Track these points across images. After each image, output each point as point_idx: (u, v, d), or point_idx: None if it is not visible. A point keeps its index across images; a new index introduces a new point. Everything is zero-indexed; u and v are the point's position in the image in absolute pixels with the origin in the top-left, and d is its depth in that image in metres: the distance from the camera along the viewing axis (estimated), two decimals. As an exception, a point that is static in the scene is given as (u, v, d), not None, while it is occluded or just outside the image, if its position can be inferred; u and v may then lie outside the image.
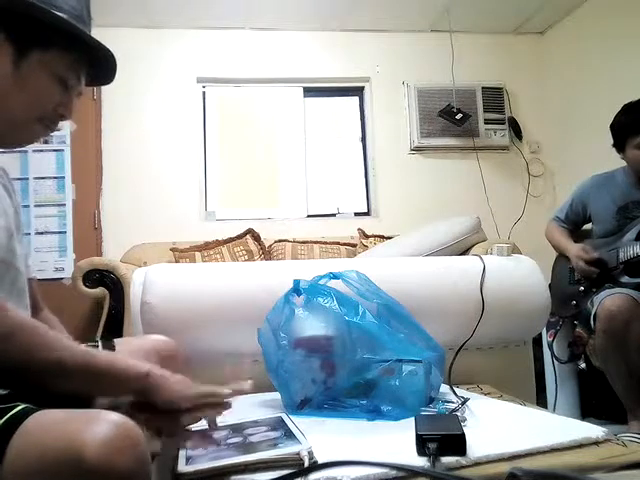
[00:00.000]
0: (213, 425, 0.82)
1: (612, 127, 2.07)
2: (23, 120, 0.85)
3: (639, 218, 2.00)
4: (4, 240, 0.82)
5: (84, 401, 0.74)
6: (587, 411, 2.24)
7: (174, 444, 0.86)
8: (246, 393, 0.82)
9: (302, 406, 1.12)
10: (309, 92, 3.61)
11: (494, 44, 3.65)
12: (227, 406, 0.79)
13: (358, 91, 3.67)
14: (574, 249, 2.11)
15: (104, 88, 3.18)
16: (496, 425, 0.99)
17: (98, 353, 0.79)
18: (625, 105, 2.04)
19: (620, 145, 2.04)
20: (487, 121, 3.54)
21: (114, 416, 0.62)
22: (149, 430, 0.73)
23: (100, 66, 0.91)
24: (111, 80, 0.96)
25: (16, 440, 0.60)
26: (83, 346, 0.78)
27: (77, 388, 0.75)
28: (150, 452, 0.68)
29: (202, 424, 0.82)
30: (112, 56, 0.90)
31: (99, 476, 0.56)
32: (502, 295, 1.52)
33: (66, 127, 3.13)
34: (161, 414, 0.76)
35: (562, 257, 2.24)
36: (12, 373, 0.70)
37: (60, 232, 3.12)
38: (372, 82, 3.60)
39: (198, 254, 2.88)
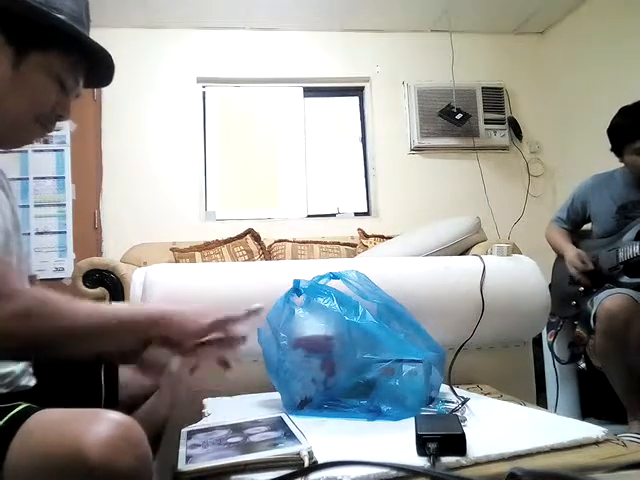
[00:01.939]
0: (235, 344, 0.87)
1: (609, 132, 2.06)
2: (21, 121, 0.85)
3: (638, 218, 2.00)
4: (2, 241, 0.82)
5: (87, 400, 0.74)
6: (587, 411, 2.24)
7: (179, 433, 0.88)
8: (259, 314, 0.88)
9: (302, 406, 1.12)
10: (309, 92, 3.61)
11: (494, 44, 3.65)
12: (242, 340, 0.86)
13: (358, 91, 3.68)
14: (570, 254, 2.11)
15: (104, 88, 3.17)
16: (496, 425, 0.99)
17: (112, 310, 0.81)
18: (621, 109, 2.02)
19: (618, 150, 2.03)
20: (487, 121, 3.54)
21: (115, 415, 0.62)
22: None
23: (98, 68, 0.92)
24: (109, 82, 0.97)
25: (18, 439, 0.61)
26: (97, 306, 0.80)
27: (97, 347, 0.78)
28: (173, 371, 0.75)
29: (204, 423, 0.83)
30: (110, 58, 0.91)
31: (101, 475, 0.56)
32: (502, 295, 1.51)
33: (66, 127, 3.13)
34: (180, 347, 0.81)
35: (562, 257, 2.23)
36: (34, 345, 0.71)
37: (60, 232, 3.12)
38: (372, 82, 3.60)
39: (198, 254, 2.88)
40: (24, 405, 0.66)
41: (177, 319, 0.80)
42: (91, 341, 0.75)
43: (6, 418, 0.63)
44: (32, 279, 0.96)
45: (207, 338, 0.83)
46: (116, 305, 0.92)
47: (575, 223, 2.28)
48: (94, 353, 0.79)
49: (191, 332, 0.80)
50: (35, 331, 0.70)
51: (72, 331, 0.73)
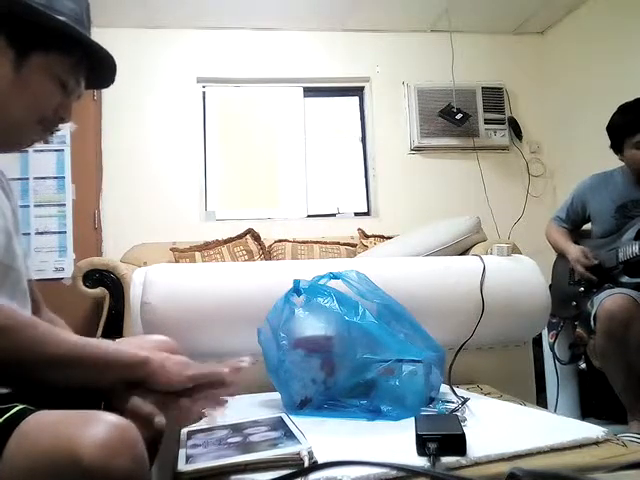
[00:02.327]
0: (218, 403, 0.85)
1: (609, 128, 2.07)
2: (23, 123, 0.85)
3: (638, 217, 1.99)
4: (3, 242, 0.82)
5: (83, 401, 0.74)
6: (587, 411, 2.24)
7: (179, 433, 0.88)
8: (244, 367, 0.86)
9: (302, 406, 1.12)
10: (309, 92, 3.61)
11: (494, 44, 3.65)
12: (228, 390, 0.83)
13: (358, 91, 3.68)
14: (574, 251, 2.11)
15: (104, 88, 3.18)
16: (496, 425, 0.99)
17: (98, 344, 0.80)
18: (621, 106, 2.03)
19: (618, 146, 2.04)
20: (487, 121, 3.54)
21: (111, 417, 0.62)
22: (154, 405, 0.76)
23: (100, 69, 0.92)
24: (110, 83, 0.97)
25: (13, 441, 0.60)
26: (83, 338, 0.79)
27: (77, 380, 0.76)
28: (155, 428, 0.72)
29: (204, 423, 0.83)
30: (112, 59, 0.90)
31: (96, 477, 0.56)
32: (502, 295, 1.51)
33: (66, 127, 3.12)
34: (163, 395, 0.78)
35: (562, 257, 2.23)
36: (13, 368, 0.71)
37: (60, 232, 3.12)
38: (372, 82, 3.60)
39: (198, 254, 2.88)
40: (20, 407, 0.66)
41: (160, 367, 0.78)
42: (72, 370, 0.74)
43: (1, 420, 0.63)
44: (30, 282, 0.96)
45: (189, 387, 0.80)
46: (102, 340, 0.90)
47: (575, 223, 2.28)
48: (77, 385, 0.76)
49: (173, 382, 0.79)
50: (17, 351, 0.69)
51: (57, 357, 0.72)
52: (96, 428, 0.59)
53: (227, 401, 0.84)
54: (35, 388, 0.72)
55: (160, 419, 0.74)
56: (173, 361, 0.81)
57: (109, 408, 0.68)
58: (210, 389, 0.83)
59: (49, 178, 3.13)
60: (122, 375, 0.78)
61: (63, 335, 0.75)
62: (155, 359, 0.79)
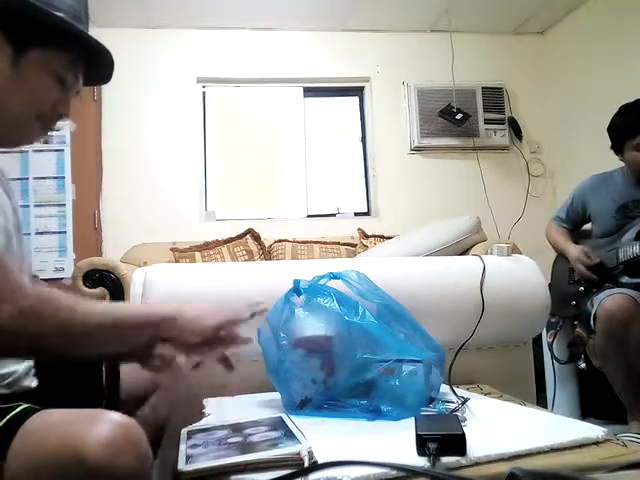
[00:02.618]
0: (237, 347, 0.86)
1: (609, 129, 2.06)
2: (22, 119, 0.85)
3: (638, 218, 1.99)
4: (3, 241, 0.82)
5: (84, 400, 0.74)
6: (587, 411, 2.24)
7: (179, 433, 0.88)
8: (262, 312, 0.87)
9: (302, 406, 1.12)
10: (309, 92, 3.61)
11: (494, 44, 3.65)
12: (248, 340, 0.85)
13: (358, 91, 3.67)
14: (574, 251, 2.11)
15: (104, 88, 3.18)
16: (496, 425, 0.99)
17: (117, 306, 0.80)
18: (622, 106, 2.03)
19: (618, 147, 2.04)
20: (487, 121, 3.54)
21: (116, 416, 0.62)
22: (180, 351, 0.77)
23: (98, 66, 0.92)
24: (108, 80, 0.96)
25: (18, 440, 0.61)
26: (108, 304, 0.79)
27: (100, 345, 0.76)
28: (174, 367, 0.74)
29: (204, 423, 0.83)
30: (109, 55, 0.90)
31: (101, 475, 0.56)
32: (502, 295, 1.51)
33: (66, 127, 3.13)
34: (187, 346, 0.79)
35: (562, 257, 2.23)
36: (41, 344, 0.70)
37: (60, 232, 3.12)
38: (372, 82, 3.60)
39: (198, 254, 2.88)
40: (24, 406, 0.66)
41: (180, 320, 0.78)
42: (90, 339, 0.74)
43: (6, 419, 0.63)
44: (33, 280, 0.96)
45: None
46: (118, 304, 0.90)
47: (575, 223, 2.28)
48: (95, 354, 0.77)
49: (196, 332, 0.79)
50: (37, 330, 0.69)
51: (71, 328, 0.71)
52: (100, 427, 0.59)
53: (251, 339, 0.86)
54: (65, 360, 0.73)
55: (181, 361, 0.75)
56: (194, 312, 0.81)
57: (110, 406, 0.68)
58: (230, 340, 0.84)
59: (49, 178, 3.13)
60: (139, 335, 0.77)
61: (88, 301, 0.75)
62: (173, 312, 0.79)
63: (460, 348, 1.41)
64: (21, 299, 0.68)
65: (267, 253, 2.97)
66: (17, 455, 0.60)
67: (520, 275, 1.59)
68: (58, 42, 0.84)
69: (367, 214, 3.56)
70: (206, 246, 2.94)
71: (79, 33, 0.84)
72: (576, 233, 2.28)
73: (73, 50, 0.86)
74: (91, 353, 0.75)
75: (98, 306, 0.76)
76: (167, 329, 0.78)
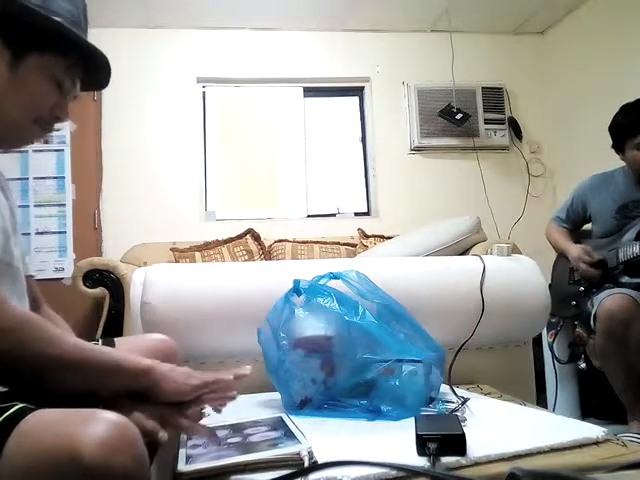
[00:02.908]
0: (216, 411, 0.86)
1: (611, 128, 2.07)
2: (20, 122, 0.86)
3: (639, 218, 1.99)
4: (1, 241, 0.83)
5: (82, 400, 0.74)
6: (587, 411, 2.23)
7: (179, 434, 0.88)
8: (246, 376, 0.86)
9: (302, 406, 1.12)
10: (309, 92, 3.61)
11: (494, 44, 3.65)
12: (231, 397, 0.84)
13: (358, 91, 3.67)
14: (575, 250, 2.11)
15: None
16: (496, 425, 0.99)
17: (100, 349, 0.80)
18: (623, 106, 2.03)
19: (619, 146, 2.04)
20: (487, 121, 3.54)
21: (111, 415, 0.62)
22: (154, 420, 0.75)
23: (95, 71, 0.92)
24: (105, 85, 0.97)
25: (13, 440, 0.60)
26: (84, 342, 0.78)
27: (77, 385, 0.76)
28: (157, 442, 0.71)
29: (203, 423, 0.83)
30: (106, 61, 0.91)
31: (96, 476, 0.56)
32: (502, 295, 1.51)
33: (66, 127, 3.12)
34: (166, 406, 0.78)
35: (562, 257, 2.23)
36: (13, 368, 0.70)
37: (60, 232, 3.12)
38: (372, 82, 3.60)
39: (198, 254, 2.88)
40: (19, 405, 0.66)
41: (163, 377, 0.79)
42: (72, 374, 0.74)
43: (1, 419, 0.63)
44: (29, 279, 0.96)
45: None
46: (105, 347, 0.90)
47: (575, 223, 2.28)
48: (78, 391, 0.76)
49: (178, 391, 0.79)
50: (13, 354, 0.69)
51: (58, 358, 0.72)
52: (96, 426, 0.59)
53: (235, 396, 0.85)
54: (35, 389, 0.72)
55: (163, 435, 0.74)
56: (177, 371, 0.81)
57: (107, 407, 0.68)
58: (213, 399, 0.83)
59: (49, 178, 3.13)
60: (124, 383, 0.78)
61: (65, 337, 0.75)
62: (159, 368, 0.79)
63: (460, 348, 1.41)
64: (4, 320, 0.69)
65: (267, 253, 2.97)
66: (12, 455, 0.60)
67: (520, 275, 1.59)
68: (56, 47, 0.84)
69: (367, 214, 3.56)
70: (206, 246, 2.94)
71: (77, 38, 0.85)
72: (576, 233, 2.28)
73: (71, 55, 0.86)
74: (62, 388, 0.74)
75: (79, 344, 0.75)
76: (150, 383, 0.78)
